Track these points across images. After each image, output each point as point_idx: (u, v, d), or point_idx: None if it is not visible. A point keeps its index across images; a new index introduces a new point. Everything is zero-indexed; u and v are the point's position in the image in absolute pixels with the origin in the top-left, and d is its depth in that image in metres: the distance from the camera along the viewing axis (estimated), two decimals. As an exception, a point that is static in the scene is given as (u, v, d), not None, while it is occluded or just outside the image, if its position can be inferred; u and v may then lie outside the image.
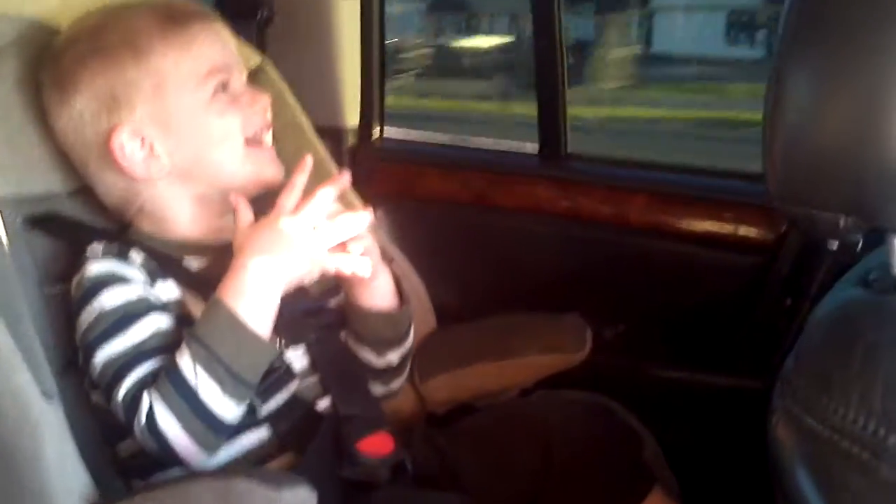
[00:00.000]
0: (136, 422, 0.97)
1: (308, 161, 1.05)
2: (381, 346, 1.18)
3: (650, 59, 9.56)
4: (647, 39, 9.93)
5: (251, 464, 1.06)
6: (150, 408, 0.96)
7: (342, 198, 1.10)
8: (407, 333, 1.19)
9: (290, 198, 1.01)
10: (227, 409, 0.97)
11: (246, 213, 1.04)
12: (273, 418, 1.07)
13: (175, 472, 1.02)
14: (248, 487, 0.83)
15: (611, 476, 1.12)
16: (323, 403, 1.12)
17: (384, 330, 1.16)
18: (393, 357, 1.19)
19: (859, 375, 0.61)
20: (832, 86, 0.63)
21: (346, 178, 1.07)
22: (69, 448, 0.93)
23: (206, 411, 0.96)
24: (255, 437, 1.07)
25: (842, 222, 0.65)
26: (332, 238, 1.02)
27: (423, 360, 1.33)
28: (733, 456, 1.41)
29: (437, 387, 1.35)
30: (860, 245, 0.72)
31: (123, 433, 1.05)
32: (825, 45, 0.64)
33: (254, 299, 0.98)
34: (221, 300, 0.98)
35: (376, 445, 1.09)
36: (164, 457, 0.98)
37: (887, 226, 0.64)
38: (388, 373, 1.20)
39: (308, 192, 1.02)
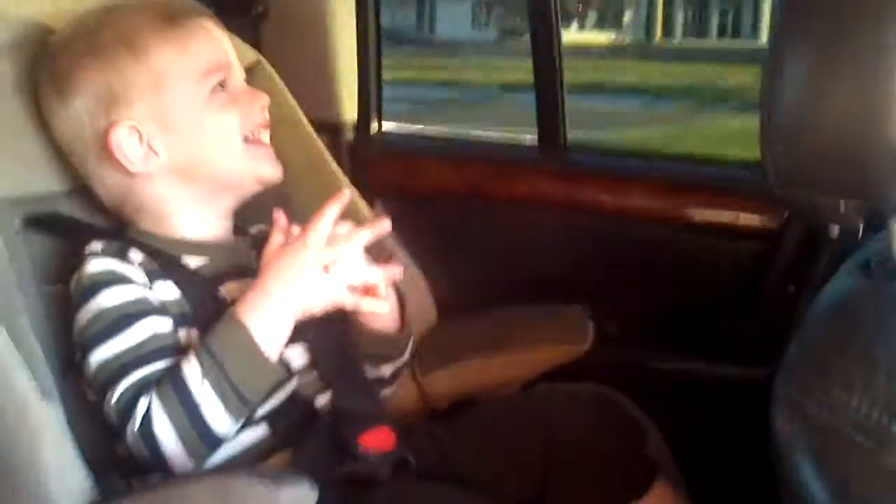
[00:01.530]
0: (129, 425, 0.96)
1: (345, 194, 1.05)
2: (378, 361, 1.18)
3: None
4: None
5: (250, 462, 1.05)
6: (148, 411, 0.95)
7: (353, 214, 1.10)
8: (404, 351, 1.20)
9: (319, 230, 1.01)
10: (224, 424, 0.97)
11: (279, 235, 1.05)
12: (271, 417, 1.07)
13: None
14: (248, 486, 0.83)
15: (614, 468, 1.11)
16: (322, 400, 1.12)
17: (383, 349, 1.17)
18: (386, 370, 1.20)
19: (861, 363, 0.61)
20: (830, 69, 0.63)
21: (346, 195, 1.06)
22: (68, 448, 0.92)
23: (203, 423, 0.96)
24: (252, 435, 1.06)
25: (842, 206, 0.65)
26: (355, 278, 1.04)
27: (425, 354, 1.32)
28: (738, 445, 1.40)
29: (438, 381, 1.35)
30: (861, 231, 0.71)
31: (118, 433, 1.05)
32: (821, 29, 0.63)
33: (270, 324, 0.99)
34: (240, 319, 0.98)
35: (378, 441, 1.09)
36: (152, 462, 0.97)
37: (888, 208, 0.64)
38: (378, 383, 1.21)
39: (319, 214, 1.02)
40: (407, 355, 1.21)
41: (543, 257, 1.73)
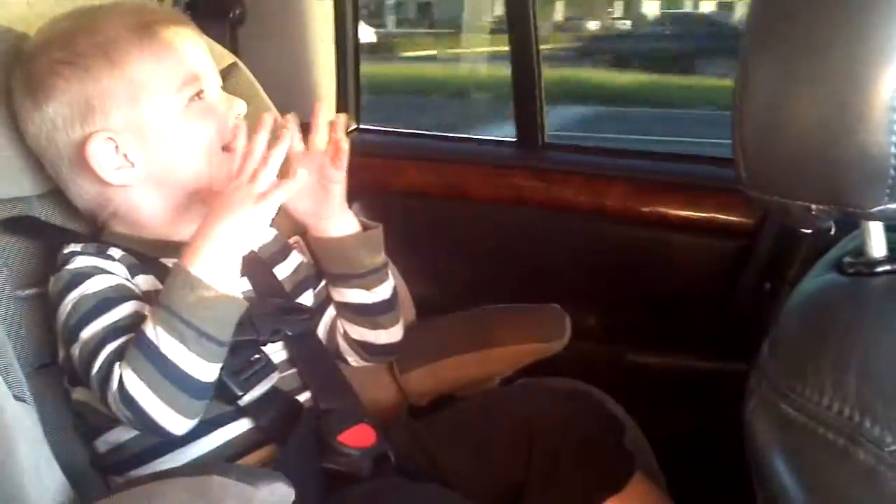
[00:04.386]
0: (109, 394, 0.96)
1: (266, 120, 1.05)
2: (368, 280, 1.19)
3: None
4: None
5: (232, 456, 1.05)
6: (121, 375, 0.95)
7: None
8: (386, 265, 1.22)
9: (247, 166, 1.02)
10: (198, 367, 0.96)
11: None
12: (254, 409, 1.07)
13: (154, 467, 1.02)
14: (224, 484, 0.83)
15: (593, 462, 1.11)
16: (303, 397, 1.13)
17: (363, 256, 1.18)
18: (385, 291, 1.21)
19: (833, 361, 0.61)
20: (799, 75, 0.63)
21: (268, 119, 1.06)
22: (43, 450, 0.92)
23: (175, 372, 0.95)
24: (236, 428, 1.07)
25: (813, 209, 0.65)
26: (270, 176, 1.02)
27: (404, 352, 1.33)
28: (716, 439, 1.41)
29: (417, 378, 1.35)
30: (833, 230, 0.72)
31: (102, 428, 1.06)
32: (791, 36, 0.64)
33: (210, 259, 0.98)
34: (178, 264, 0.98)
35: (358, 437, 1.10)
36: (143, 427, 0.97)
37: (857, 213, 0.65)
38: (387, 309, 1.22)
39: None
40: (391, 278, 1.22)
41: (522, 255, 1.73)
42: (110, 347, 0.98)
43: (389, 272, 1.23)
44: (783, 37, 0.64)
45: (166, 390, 0.95)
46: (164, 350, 0.95)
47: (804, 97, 0.63)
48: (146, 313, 1.00)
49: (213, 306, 0.98)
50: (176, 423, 0.97)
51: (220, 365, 0.99)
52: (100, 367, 0.97)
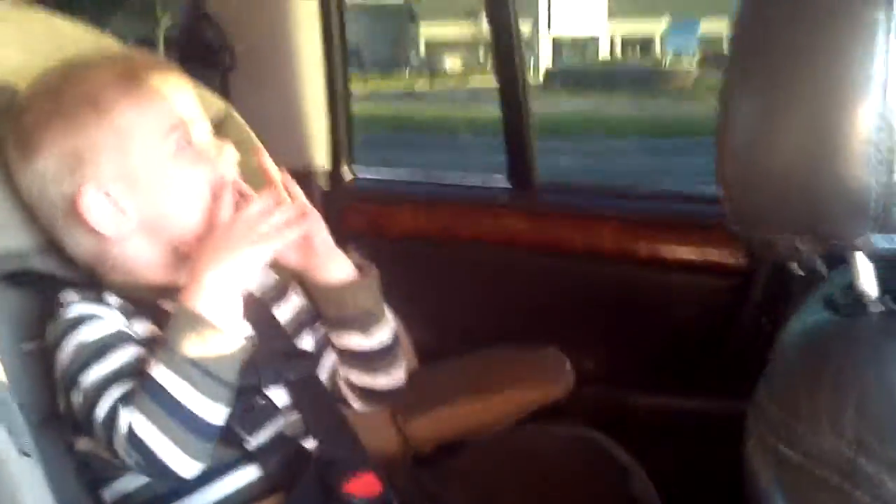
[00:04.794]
0: (115, 438, 0.95)
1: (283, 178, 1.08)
2: (365, 324, 1.17)
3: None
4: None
5: None
6: (128, 419, 0.95)
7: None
8: (383, 308, 1.19)
9: (248, 211, 1.04)
10: (206, 409, 0.96)
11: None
12: (262, 454, 1.06)
13: None
14: None
15: (600, 509, 1.11)
16: (308, 444, 1.12)
17: (360, 300, 1.15)
18: (384, 335, 1.18)
19: (829, 400, 0.61)
20: (778, 108, 0.64)
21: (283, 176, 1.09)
22: (48, 502, 0.92)
23: (184, 414, 0.95)
24: (243, 476, 1.06)
25: (798, 244, 0.66)
26: (273, 226, 1.04)
27: (406, 399, 1.32)
28: (720, 480, 1.40)
29: (421, 426, 1.35)
30: (819, 265, 0.72)
31: (108, 477, 1.05)
32: (770, 68, 0.65)
33: (211, 299, 0.99)
34: (181, 304, 0.99)
35: (364, 487, 1.09)
36: (153, 471, 0.97)
37: (842, 245, 0.65)
38: (386, 354, 1.19)
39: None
40: (392, 319, 1.20)
41: (519, 297, 1.73)
42: (114, 393, 0.97)
43: (389, 315, 1.22)
44: (762, 72, 0.65)
45: (175, 432, 0.95)
46: (172, 392, 0.95)
47: (784, 131, 0.64)
48: (145, 357, 1.00)
49: (217, 346, 0.98)
50: (185, 465, 0.96)
51: (227, 408, 0.99)
52: (105, 413, 0.97)
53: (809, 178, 0.63)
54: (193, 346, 0.96)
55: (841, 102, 0.61)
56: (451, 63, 19.68)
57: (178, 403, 0.95)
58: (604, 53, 20.66)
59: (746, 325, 1.55)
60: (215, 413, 0.97)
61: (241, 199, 1.08)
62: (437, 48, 20.60)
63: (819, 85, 0.62)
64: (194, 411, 0.96)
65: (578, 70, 18.15)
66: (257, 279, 1.06)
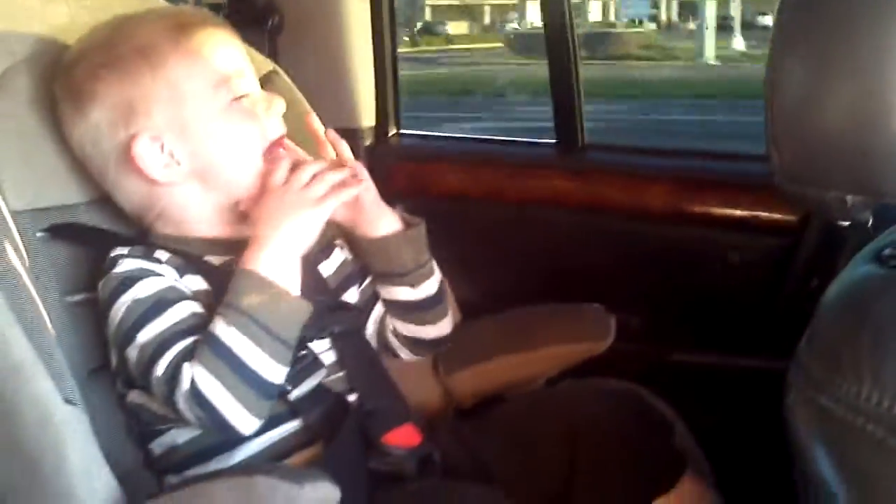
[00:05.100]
0: (178, 393, 0.98)
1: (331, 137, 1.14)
2: (412, 276, 1.19)
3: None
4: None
5: (281, 456, 1.07)
6: (192, 374, 0.97)
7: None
8: (430, 259, 1.22)
9: (304, 174, 1.07)
10: (268, 368, 0.99)
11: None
12: (302, 406, 1.09)
13: (208, 467, 1.04)
14: (270, 484, 0.84)
15: (642, 462, 1.11)
16: (350, 398, 1.14)
17: (406, 253, 1.19)
18: (430, 287, 1.21)
19: (871, 352, 0.61)
20: (831, 66, 0.63)
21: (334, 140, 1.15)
22: (94, 452, 0.94)
23: (247, 371, 0.98)
24: (286, 428, 1.08)
25: (849, 201, 0.65)
26: (329, 188, 1.07)
27: (448, 353, 1.33)
28: (764, 438, 1.40)
29: (462, 380, 1.36)
30: (870, 222, 0.71)
31: (157, 430, 1.08)
32: (822, 27, 0.64)
33: (274, 261, 1.02)
34: (245, 266, 1.02)
35: (403, 437, 1.11)
36: (214, 426, 0.99)
37: (893, 201, 0.64)
38: (433, 305, 1.22)
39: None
40: (438, 271, 1.23)
41: (563, 257, 1.73)
42: (176, 349, 1.00)
43: (435, 267, 1.24)
44: (813, 30, 0.64)
45: (239, 389, 0.97)
46: (236, 350, 0.97)
47: (835, 89, 0.63)
48: (202, 312, 1.03)
49: (281, 307, 1.01)
50: (246, 421, 0.99)
51: (287, 367, 1.01)
52: (166, 368, 0.99)
53: (862, 136, 0.62)
54: (258, 305, 0.99)
55: (892, 60, 0.61)
56: (454, 28, 19.76)
57: (241, 361, 0.97)
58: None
59: (795, 284, 1.54)
60: (276, 372, 1.00)
61: (295, 162, 1.10)
62: (442, 12, 20.59)
63: (870, 42, 0.61)
64: (257, 370, 0.98)
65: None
66: (315, 240, 1.08)
